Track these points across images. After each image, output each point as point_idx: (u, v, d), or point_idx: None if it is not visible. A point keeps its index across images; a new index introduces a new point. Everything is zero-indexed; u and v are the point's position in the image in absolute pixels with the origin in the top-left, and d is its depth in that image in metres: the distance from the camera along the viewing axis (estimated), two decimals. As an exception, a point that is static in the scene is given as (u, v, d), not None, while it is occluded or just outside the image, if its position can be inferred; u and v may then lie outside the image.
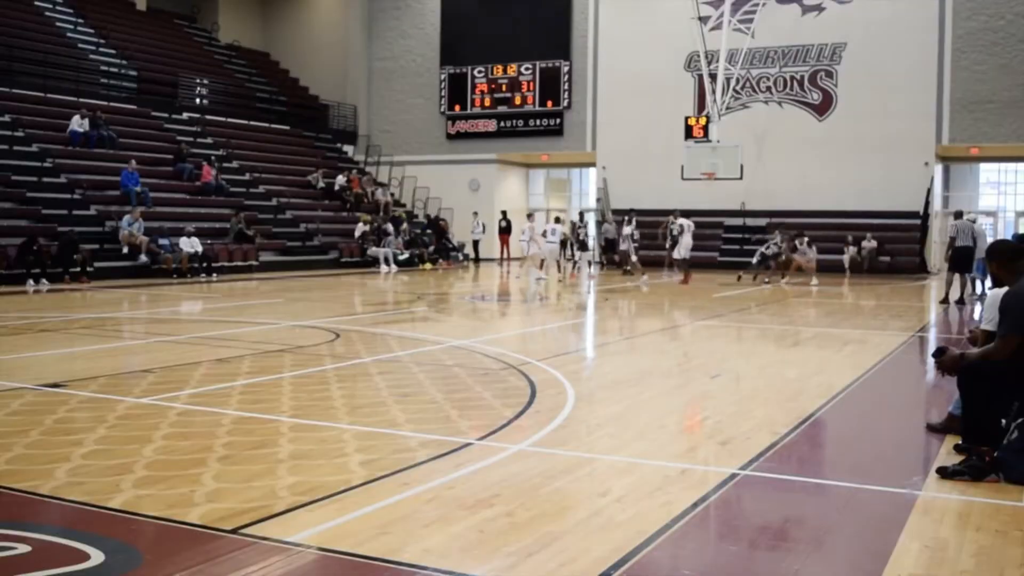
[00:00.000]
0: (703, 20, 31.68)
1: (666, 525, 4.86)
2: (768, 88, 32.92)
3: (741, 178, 29.56)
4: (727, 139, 29.54)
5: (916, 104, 30.64)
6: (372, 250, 29.71)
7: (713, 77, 31.05)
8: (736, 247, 32.26)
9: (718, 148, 29.07)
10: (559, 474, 5.85)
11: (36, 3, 33.16)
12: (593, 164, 36.41)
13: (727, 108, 31.96)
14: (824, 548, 4.72)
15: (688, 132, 29.89)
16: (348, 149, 39.33)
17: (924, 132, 30.66)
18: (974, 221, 20.65)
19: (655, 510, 5.11)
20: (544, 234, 26.73)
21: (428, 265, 31.16)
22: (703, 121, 29.99)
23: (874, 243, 30.05)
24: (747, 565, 4.47)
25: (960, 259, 18.78)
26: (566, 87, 36.30)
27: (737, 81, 32.46)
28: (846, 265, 29.18)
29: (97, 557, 4.28)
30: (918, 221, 30.92)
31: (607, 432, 7.18)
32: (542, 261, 26.50)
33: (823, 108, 32.23)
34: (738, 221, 32.91)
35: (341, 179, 34.70)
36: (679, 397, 8.94)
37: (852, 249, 29.54)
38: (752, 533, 4.90)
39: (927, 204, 30.89)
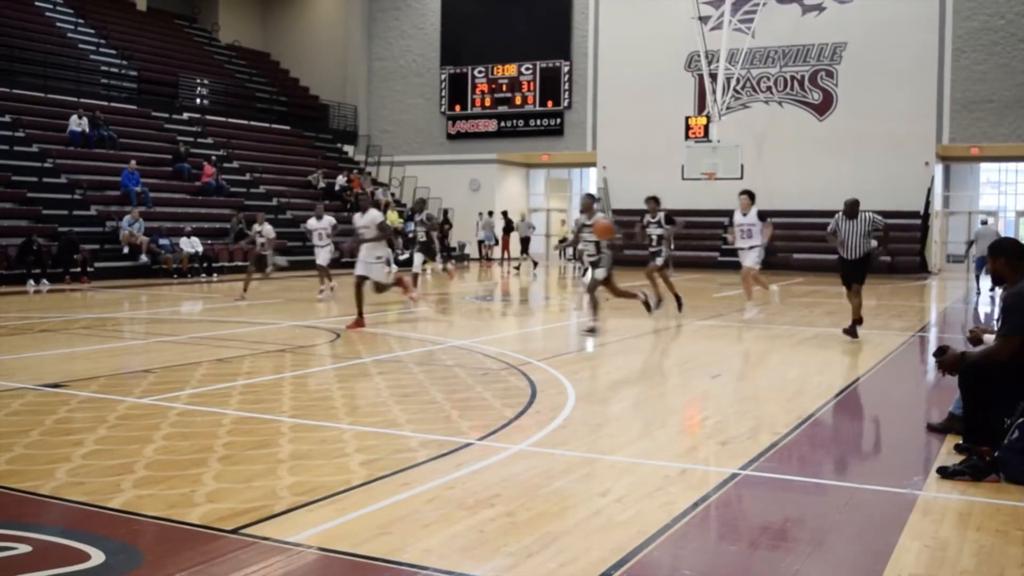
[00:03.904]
0: (703, 20, 31.71)
1: (666, 525, 4.86)
2: (768, 88, 32.93)
3: (742, 178, 29.50)
4: (727, 139, 29.55)
5: (916, 104, 30.65)
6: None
7: (713, 77, 31.08)
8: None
9: (718, 148, 29.09)
10: (559, 474, 5.85)
11: (37, 3, 33.17)
12: (594, 164, 36.42)
13: (727, 108, 31.99)
14: (824, 548, 4.71)
15: (688, 132, 29.90)
16: (348, 149, 39.36)
17: (924, 132, 30.68)
18: (985, 223, 20.60)
19: (655, 510, 5.11)
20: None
21: (428, 265, 31.13)
22: (703, 121, 30.02)
23: (875, 243, 29.96)
24: (747, 565, 4.47)
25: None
26: (566, 87, 36.30)
27: (737, 81, 32.48)
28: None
29: (98, 557, 4.29)
30: (919, 221, 30.92)
31: (607, 432, 7.18)
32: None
33: (823, 108, 32.24)
34: (739, 221, 32.89)
35: (341, 179, 34.71)
36: (679, 397, 8.94)
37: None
38: (752, 533, 4.90)
39: (927, 204, 30.89)
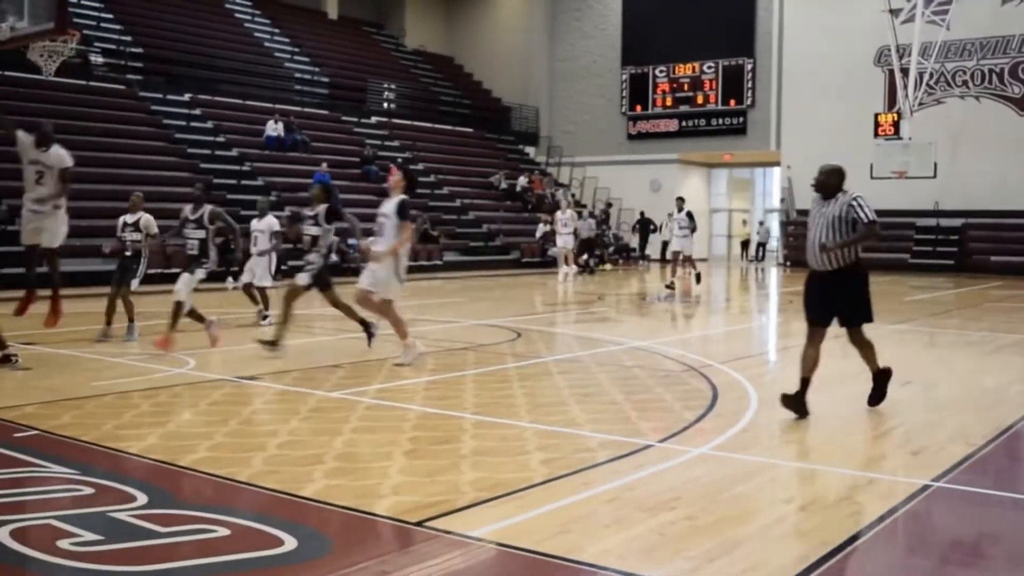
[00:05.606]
0: (894, 13, 30.45)
1: (853, 536, 4.71)
2: (964, 82, 31.40)
3: (935, 177, 28.30)
4: (919, 136, 28.35)
5: None
6: (553, 250, 29.91)
7: (905, 72, 29.84)
8: (929, 248, 30.94)
9: (910, 146, 27.95)
10: (741, 479, 5.75)
11: (237, 15, 34.93)
12: (777, 163, 35.58)
13: (920, 104, 30.63)
14: (1023, 568, 4.48)
15: (877, 129, 28.90)
16: (530, 150, 39.77)
17: None
18: None
19: (841, 520, 4.96)
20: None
21: (608, 266, 31.15)
22: (894, 118, 28.92)
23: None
24: (940, 581, 4.29)
25: None
26: (749, 85, 35.62)
27: (931, 75, 31.07)
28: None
29: (290, 543, 4.48)
30: None
31: (791, 438, 7.02)
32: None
33: (1025, 102, 30.53)
34: (931, 222, 31.49)
35: (523, 180, 35.10)
36: (867, 403, 8.63)
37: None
38: (944, 549, 4.70)
39: None
